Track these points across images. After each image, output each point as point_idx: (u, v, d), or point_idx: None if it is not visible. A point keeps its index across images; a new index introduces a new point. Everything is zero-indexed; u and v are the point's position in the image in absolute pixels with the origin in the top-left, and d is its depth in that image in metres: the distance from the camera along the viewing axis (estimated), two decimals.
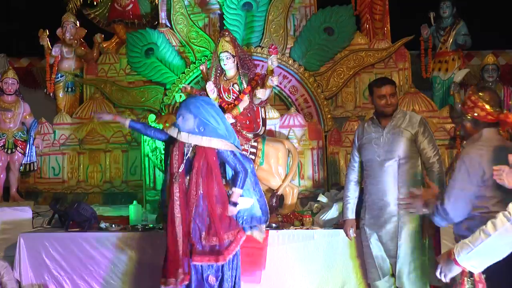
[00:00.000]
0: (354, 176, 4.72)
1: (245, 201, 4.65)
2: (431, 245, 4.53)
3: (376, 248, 4.50)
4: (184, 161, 4.49)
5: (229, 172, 4.69)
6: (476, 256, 2.95)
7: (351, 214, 4.71)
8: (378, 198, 4.43)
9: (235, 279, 4.49)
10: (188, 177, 4.47)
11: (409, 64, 7.37)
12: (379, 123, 4.51)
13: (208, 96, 5.85)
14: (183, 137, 4.48)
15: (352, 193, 4.71)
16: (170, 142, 4.65)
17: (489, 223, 2.93)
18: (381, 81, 4.67)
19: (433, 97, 7.52)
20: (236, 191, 4.53)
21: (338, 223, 5.21)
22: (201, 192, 4.43)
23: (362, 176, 4.67)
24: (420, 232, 4.39)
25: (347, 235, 4.75)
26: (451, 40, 7.60)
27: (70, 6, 8.77)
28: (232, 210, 4.51)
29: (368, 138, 4.54)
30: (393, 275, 4.46)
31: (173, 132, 4.55)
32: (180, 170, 4.47)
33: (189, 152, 4.51)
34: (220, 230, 4.39)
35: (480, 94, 3.38)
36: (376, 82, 4.65)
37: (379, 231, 4.45)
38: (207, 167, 4.46)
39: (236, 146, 4.60)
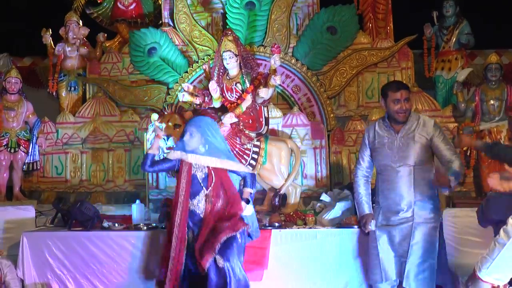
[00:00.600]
0: (362, 174, 4.70)
1: (250, 208, 4.72)
2: (442, 247, 4.51)
3: (384, 250, 4.46)
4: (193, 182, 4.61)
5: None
6: (496, 268, 2.90)
7: (368, 209, 4.66)
8: (395, 203, 4.42)
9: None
10: (195, 200, 4.58)
11: (412, 63, 7.36)
12: (392, 127, 4.48)
13: (211, 95, 5.86)
14: (193, 158, 4.61)
15: (364, 189, 4.68)
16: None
17: (501, 232, 2.89)
18: (396, 85, 4.61)
19: (436, 96, 7.50)
20: (247, 190, 4.72)
21: (341, 223, 5.21)
22: (221, 204, 4.58)
23: (371, 175, 4.68)
24: (433, 235, 4.37)
25: (365, 229, 4.70)
26: (454, 39, 7.58)
27: (75, 5, 8.78)
28: (245, 206, 4.64)
29: (381, 142, 4.50)
30: (396, 279, 4.45)
31: (182, 156, 4.65)
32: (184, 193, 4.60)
33: (198, 172, 4.61)
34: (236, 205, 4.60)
35: None
36: (391, 86, 4.57)
37: (393, 230, 4.43)
38: (221, 184, 4.62)
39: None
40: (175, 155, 4.68)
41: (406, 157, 4.37)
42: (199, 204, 4.57)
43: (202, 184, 4.59)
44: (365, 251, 4.80)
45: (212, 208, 4.55)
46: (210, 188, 4.58)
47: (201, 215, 4.56)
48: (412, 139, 4.38)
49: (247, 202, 4.67)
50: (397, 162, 4.39)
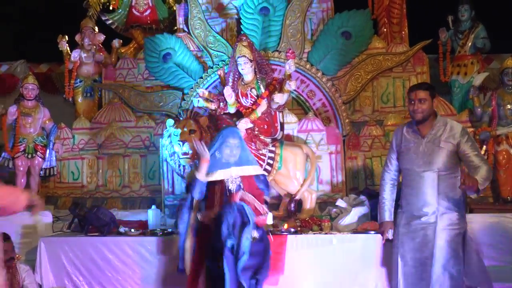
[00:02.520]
0: (389, 178, 4.70)
1: (271, 217, 4.72)
2: (469, 253, 4.46)
3: (404, 258, 4.45)
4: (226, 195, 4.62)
5: None
6: None
7: (388, 216, 4.68)
8: (417, 208, 4.41)
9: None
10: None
11: (427, 68, 7.31)
12: (419, 131, 4.47)
13: (226, 101, 5.88)
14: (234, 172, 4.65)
15: (389, 194, 4.69)
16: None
17: None
18: (414, 85, 4.70)
19: (452, 101, 7.45)
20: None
21: (357, 228, 5.20)
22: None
23: (398, 180, 4.66)
24: (457, 242, 4.33)
25: (383, 237, 4.72)
26: (469, 43, 7.53)
27: (90, 12, 8.84)
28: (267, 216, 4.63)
29: (407, 146, 4.50)
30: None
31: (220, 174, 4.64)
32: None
33: (230, 184, 4.64)
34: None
35: None
36: (410, 88, 4.67)
37: (415, 236, 4.40)
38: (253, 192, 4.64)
39: None
40: (219, 175, 4.63)
41: (431, 163, 4.35)
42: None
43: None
44: (387, 258, 4.79)
45: None
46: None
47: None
48: (438, 144, 4.36)
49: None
50: (422, 167, 4.38)
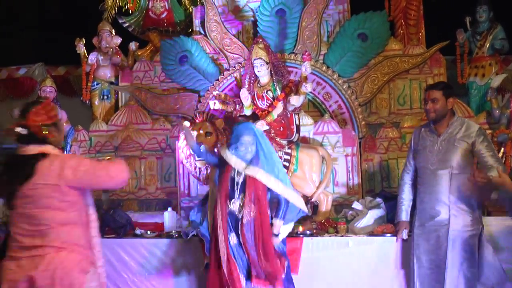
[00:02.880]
0: (408, 178, 4.71)
1: (286, 229, 4.70)
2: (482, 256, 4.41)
3: (419, 259, 4.44)
4: (231, 184, 4.60)
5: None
6: None
7: (405, 216, 4.70)
8: (430, 207, 4.40)
9: None
10: (232, 201, 4.55)
11: (445, 70, 7.24)
12: (435, 130, 4.46)
13: (242, 103, 5.88)
14: (238, 165, 4.62)
15: (407, 195, 4.71)
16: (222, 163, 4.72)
17: None
18: (430, 85, 4.76)
19: (470, 103, 7.38)
20: (277, 222, 4.63)
21: (373, 231, 5.17)
22: (252, 217, 4.49)
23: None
24: (471, 244, 4.29)
25: (397, 236, 4.71)
26: (487, 44, 7.46)
27: (106, 15, 8.91)
28: (275, 241, 4.59)
29: (423, 145, 4.51)
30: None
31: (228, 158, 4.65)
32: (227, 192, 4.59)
33: (237, 176, 4.59)
34: (271, 256, 4.48)
35: None
36: (427, 86, 4.68)
37: (430, 239, 4.39)
38: (256, 194, 4.55)
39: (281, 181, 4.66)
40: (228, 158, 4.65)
41: (445, 161, 4.33)
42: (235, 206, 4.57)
43: (239, 189, 4.58)
44: (403, 260, 4.77)
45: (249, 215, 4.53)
46: (246, 196, 4.54)
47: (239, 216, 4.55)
48: (453, 143, 4.34)
49: (277, 236, 4.61)
50: (435, 165, 4.37)
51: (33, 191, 3.10)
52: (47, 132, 3.22)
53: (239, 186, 4.57)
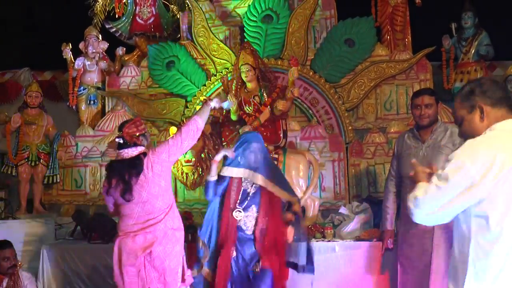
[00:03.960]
0: (393, 186, 4.68)
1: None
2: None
3: (404, 267, 4.44)
4: (243, 196, 4.51)
5: None
6: None
7: (390, 225, 4.68)
8: None
9: None
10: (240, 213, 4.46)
11: (431, 75, 7.29)
12: (419, 136, 4.46)
13: (229, 108, 5.88)
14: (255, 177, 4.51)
15: (391, 203, 4.67)
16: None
17: None
18: (419, 91, 4.69)
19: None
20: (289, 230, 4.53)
21: (360, 236, 5.18)
22: (264, 227, 4.43)
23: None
24: None
25: (383, 245, 4.72)
26: (473, 50, 7.53)
27: (95, 20, 8.89)
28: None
29: (407, 151, 4.48)
30: None
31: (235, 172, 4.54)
32: (237, 205, 4.48)
33: (249, 187, 4.53)
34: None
35: None
36: (414, 93, 4.65)
37: (413, 245, 4.38)
38: (269, 204, 4.49)
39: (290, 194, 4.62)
40: (242, 173, 4.53)
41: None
42: (246, 220, 4.46)
43: (251, 200, 4.49)
44: (389, 265, 4.78)
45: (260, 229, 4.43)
46: (259, 205, 4.46)
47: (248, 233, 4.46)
48: (438, 149, 4.33)
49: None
50: None
51: (145, 181, 3.93)
52: (137, 140, 4.05)
53: (249, 197, 4.48)
